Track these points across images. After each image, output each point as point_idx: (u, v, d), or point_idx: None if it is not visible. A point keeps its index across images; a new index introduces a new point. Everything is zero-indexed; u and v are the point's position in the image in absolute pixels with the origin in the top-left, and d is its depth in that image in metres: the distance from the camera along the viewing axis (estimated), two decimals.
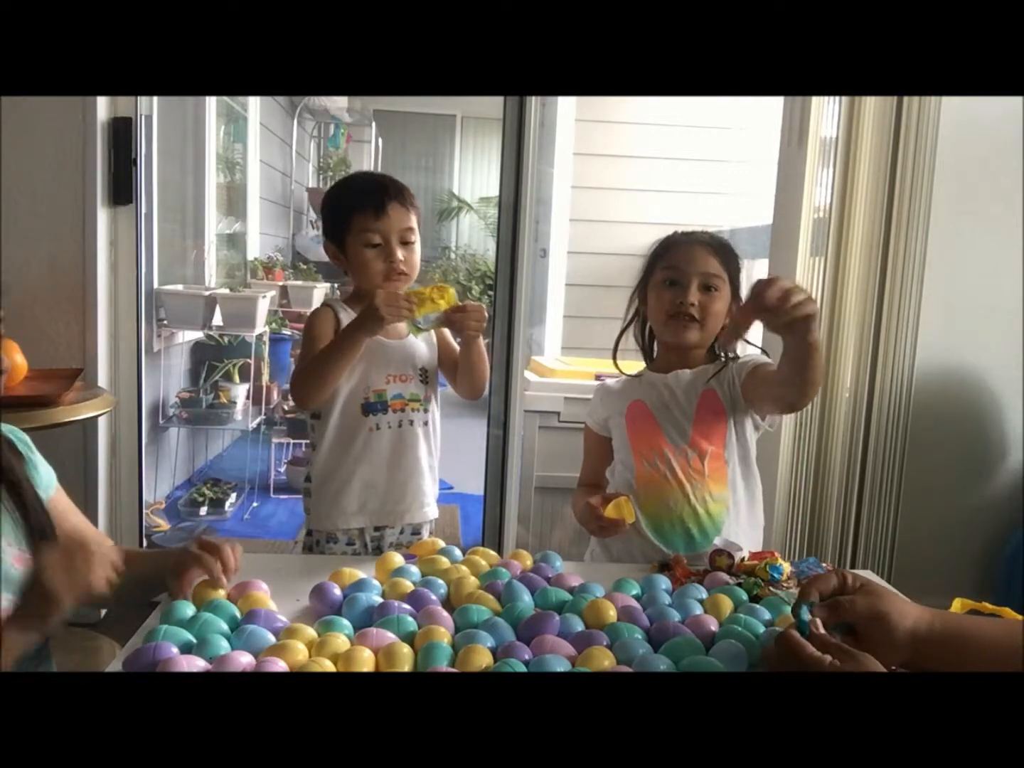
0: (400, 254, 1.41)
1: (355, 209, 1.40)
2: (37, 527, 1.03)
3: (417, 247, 1.46)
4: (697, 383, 1.45)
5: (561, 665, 0.89)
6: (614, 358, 1.54)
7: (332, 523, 1.44)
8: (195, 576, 1.04)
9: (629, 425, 1.45)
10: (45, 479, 1.11)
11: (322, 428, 1.44)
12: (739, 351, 1.50)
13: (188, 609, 1.00)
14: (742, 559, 1.25)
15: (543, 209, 3.98)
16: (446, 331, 1.52)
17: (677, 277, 1.42)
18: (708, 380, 1.43)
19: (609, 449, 1.51)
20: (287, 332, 4.58)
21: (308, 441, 1.51)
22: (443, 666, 0.89)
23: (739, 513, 1.43)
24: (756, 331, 1.41)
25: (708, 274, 1.42)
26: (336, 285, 5.17)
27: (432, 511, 1.51)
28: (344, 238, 1.43)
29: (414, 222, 1.45)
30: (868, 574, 1.35)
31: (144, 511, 2.50)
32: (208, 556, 1.03)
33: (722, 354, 1.48)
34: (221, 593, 1.03)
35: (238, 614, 1.00)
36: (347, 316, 1.43)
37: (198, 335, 3.89)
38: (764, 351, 1.49)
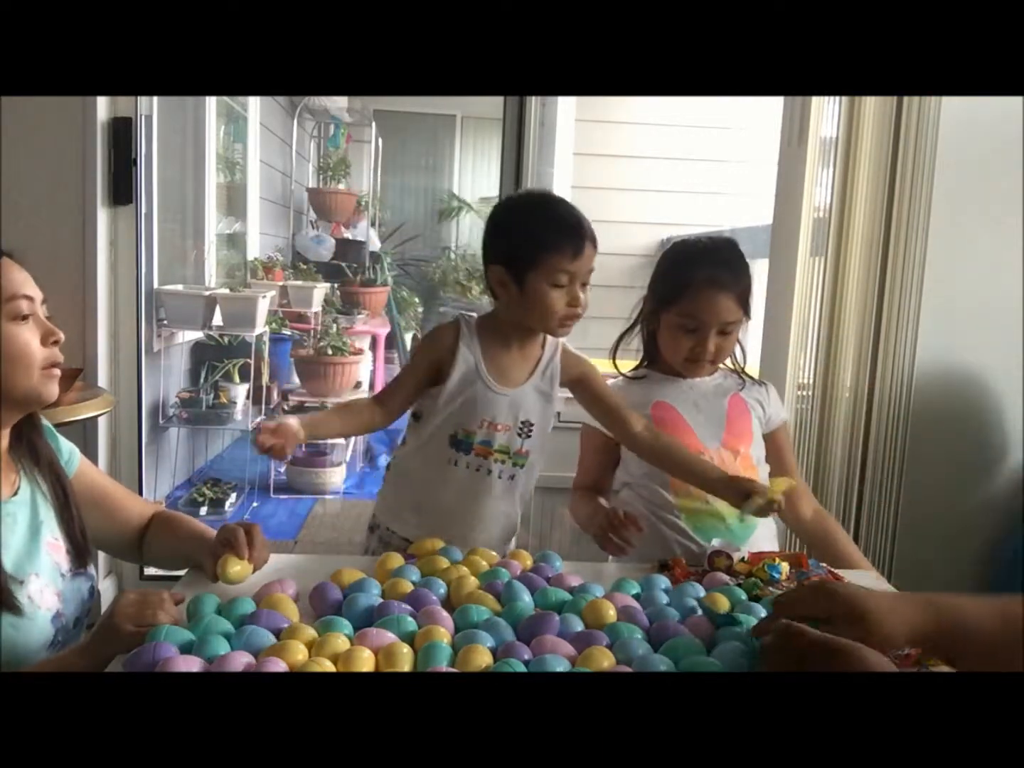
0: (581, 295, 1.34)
1: (552, 248, 1.30)
2: (68, 516, 1.11)
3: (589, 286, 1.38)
4: (721, 388, 1.48)
5: (561, 665, 0.89)
6: (613, 359, 1.54)
7: (394, 523, 1.42)
8: (224, 552, 1.10)
9: (658, 425, 1.42)
10: (67, 454, 1.18)
11: (417, 432, 1.40)
12: (738, 357, 1.55)
13: (212, 602, 1.03)
14: (741, 559, 1.25)
15: None
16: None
17: (696, 327, 1.40)
18: (739, 392, 1.49)
19: (617, 451, 1.50)
20: (287, 332, 4.58)
21: (404, 433, 1.46)
22: (443, 666, 0.89)
23: None
24: (753, 339, 1.42)
25: (727, 322, 1.41)
26: (336, 285, 5.15)
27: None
28: (529, 271, 1.32)
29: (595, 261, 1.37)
30: (867, 575, 1.36)
31: None
32: (240, 530, 1.11)
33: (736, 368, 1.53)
34: (246, 569, 1.09)
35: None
36: (469, 342, 1.36)
37: (198, 335, 3.88)
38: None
